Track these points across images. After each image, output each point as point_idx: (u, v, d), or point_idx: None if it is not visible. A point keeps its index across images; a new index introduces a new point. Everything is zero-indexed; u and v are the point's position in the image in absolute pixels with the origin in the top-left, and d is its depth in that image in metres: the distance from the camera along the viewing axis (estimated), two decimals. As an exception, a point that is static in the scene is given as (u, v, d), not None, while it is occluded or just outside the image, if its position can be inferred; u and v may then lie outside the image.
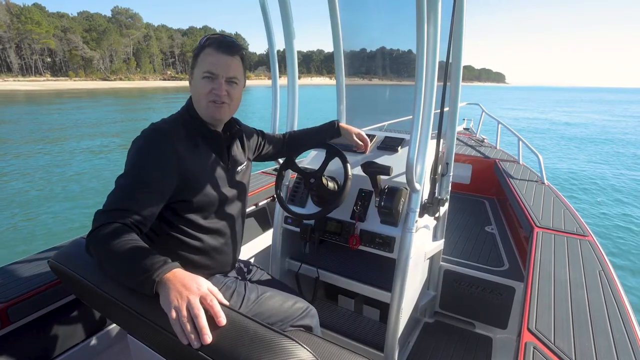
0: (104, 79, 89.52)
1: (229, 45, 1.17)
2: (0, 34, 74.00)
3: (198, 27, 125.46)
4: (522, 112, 35.29)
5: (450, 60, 1.49)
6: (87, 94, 47.76)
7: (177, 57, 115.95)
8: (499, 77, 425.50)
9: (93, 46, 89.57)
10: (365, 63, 2.36)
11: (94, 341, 1.54)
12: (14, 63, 78.48)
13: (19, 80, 73.58)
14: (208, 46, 1.16)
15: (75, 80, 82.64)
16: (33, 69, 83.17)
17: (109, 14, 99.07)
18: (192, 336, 0.72)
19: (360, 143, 1.81)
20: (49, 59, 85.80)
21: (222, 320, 0.75)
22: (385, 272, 1.79)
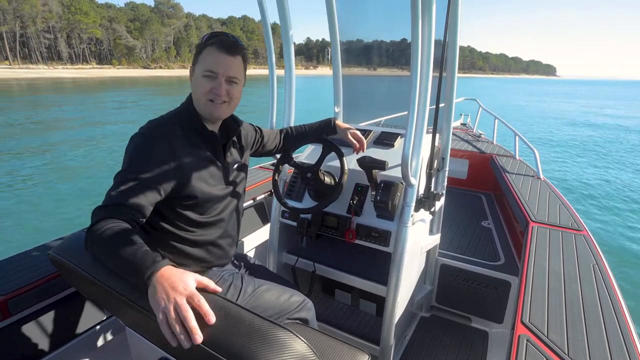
0: (145, 67, 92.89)
1: (230, 45, 1.18)
2: (52, 24, 78.30)
3: (237, 17, 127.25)
4: None
5: (446, 54, 1.47)
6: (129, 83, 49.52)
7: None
8: (549, 70, 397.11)
9: (136, 35, 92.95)
10: (362, 55, 2.33)
11: (93, 334, 1.57)
12: (63, 52, 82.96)
13: (67, 68, 77.77)
14: (210, 45, 1.16)
15: (118, 68, 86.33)
16: (81, 57, 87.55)
17: (152, 4, 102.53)
18: (182, 337, 0.71)
19: (355, 143, 1.71)
20: (95, 48, 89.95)
21: (212, 319, 0.74)
22: (382, 266, 1.79)
